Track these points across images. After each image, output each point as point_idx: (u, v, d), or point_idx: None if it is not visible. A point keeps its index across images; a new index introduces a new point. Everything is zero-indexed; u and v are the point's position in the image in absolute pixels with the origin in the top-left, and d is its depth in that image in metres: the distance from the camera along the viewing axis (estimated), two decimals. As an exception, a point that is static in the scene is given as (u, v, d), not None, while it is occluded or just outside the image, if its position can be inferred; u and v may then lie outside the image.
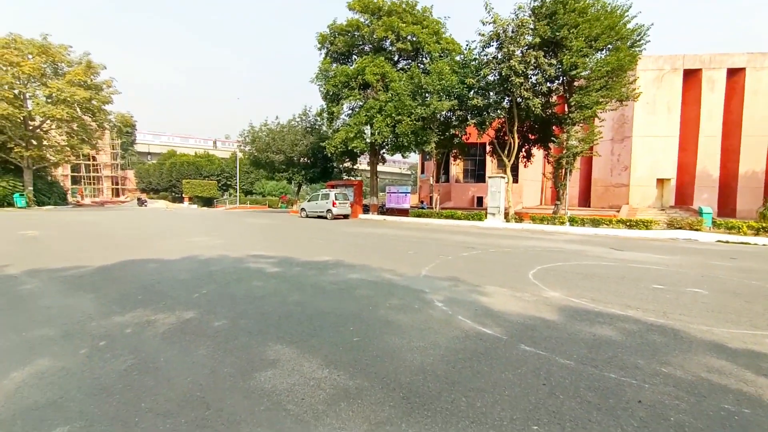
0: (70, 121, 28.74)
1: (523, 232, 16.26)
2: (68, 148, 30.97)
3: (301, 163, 29.32)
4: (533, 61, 15.83)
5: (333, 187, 26.29)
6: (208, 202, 46.37)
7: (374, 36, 21.16)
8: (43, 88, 26.93)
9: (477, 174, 31.43)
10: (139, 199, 44.03)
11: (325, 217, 22.63)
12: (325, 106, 23.18)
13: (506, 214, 19.66)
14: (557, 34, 15.91)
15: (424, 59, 21.27)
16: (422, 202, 28.28)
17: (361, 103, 22.24)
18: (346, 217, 23.51)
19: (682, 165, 26.16)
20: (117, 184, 56.53)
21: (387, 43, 22.61)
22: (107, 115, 31.89)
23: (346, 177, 29.70)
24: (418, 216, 22.39)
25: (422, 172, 37.52)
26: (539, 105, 16.71)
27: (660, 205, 26.63)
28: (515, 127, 18.57)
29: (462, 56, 19.71)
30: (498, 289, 5.86)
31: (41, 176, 32.60)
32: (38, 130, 29.56)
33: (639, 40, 17.29)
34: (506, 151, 20.00)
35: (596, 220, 16.38)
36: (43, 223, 16.49)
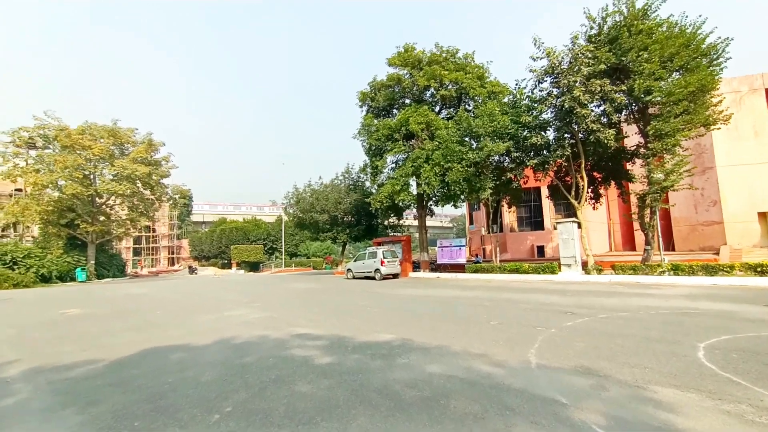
0: (131, 195, 30.61)
1: (614, 285, 13.35)
2: (129, 222, 32.75)
3: (345, 222, 28.50)
4: (598, 90, 14.16)
5: (380, 244, 24.82)
6: (254, 266, 46.63)
7: (415, 87, 20.83)
8: (110, 167, 29.20)
9: (534, 221, 28.73)
10: (189, 267, 45.27)
11: (374, 278, 20.85)
12: (368, 161, 22.61)
13: (584, 265, 16.76)
14: (623, 59, 14.32)
15: (468, 105, 20.40)
16: (476, 255, 25.83)
17: (405, 155, 21.37)
18: (395, 276, 21.59)
19: (788, 194, 22.01)
20: (173, 253, 59.38)
21: (428, 95, 22.22)
22: (165, 188, 33.87)
23: (392, 233, 28.28)
24: (476, 271, 19.95)
25: (470, 223, 35.35)
26: (612, 137, 14.65)
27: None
28: (582, 165, 16.43)
29: (511, 96, 18.55)
30: (679, 394, 3.61)
31: (104, 250, 34.39)
32: (103, 207, 31.67)
33: (717, 58, 15.22)
34: (572, 193, 17.67)
35: (710, 266, 13.14)
36: (90, 299, 16.16)
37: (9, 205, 27.02)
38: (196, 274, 41.48)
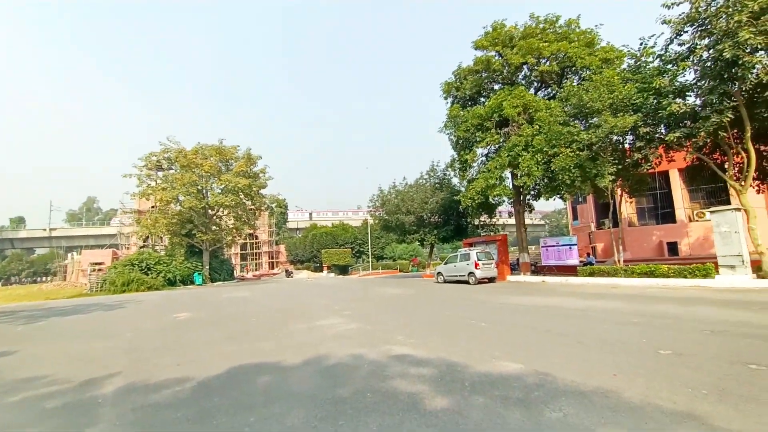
0: (236, 206, 33.65)
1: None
2: (235, 230, 36.14)
3: (432, 222, 27.06)
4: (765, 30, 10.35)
5: (471, 245, 22.78)
6: (343, 269, 47.94)
7: (507, 68, 18.46)
8: (217, 181, 32.48)
9: (660, 213, 23.58)
10: (286, 271, 48.52)
11: (467, 282, 18.97)
12: (455, 156, 20.84)
13: (754, 266, 12.64)
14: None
15: (574, 79, 17.25)
16: (587, 255, 22.04)
17: (498, 145, 19.12)
18: (491, 280, 19.38)
19: None
20: (272, 258, 64.76)
21: (521, 75, 19.61)
22: (263, 198, 36.62)
23: (483, 233, 25.94)
24: (591, 274, 16.72)
25: (574, 218, 30.87)
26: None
27: None
28: (748, 133, 12.36)
29: (632, 61, 15.10)
30: None
31: (216, 256, 38.51)
32: (214, 217, 35.43)
33: None
34: (729, 173, 13.55)
35: None
36: (201, 303, 17.43)
37: (144, 219, 31.74)
38: (292, 277, 44.15)
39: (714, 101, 11.90)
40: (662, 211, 23.44)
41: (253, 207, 36.73)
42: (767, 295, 10.09)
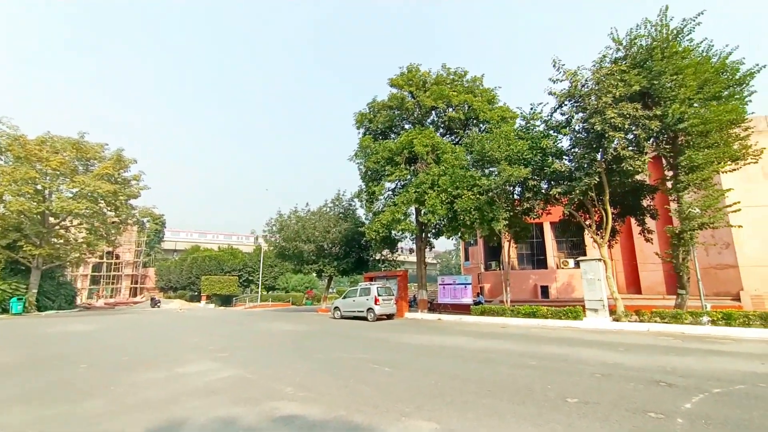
0: (91, 216, 27.07)
1: (662, 338, 11.13)
2: (85, 246, 28.84)
3: (332, 254, 25.78)
4: (630, 114, 12.76)
5: (371, 279, 22.14)
6: (226, 300, 42.42)
7: (419, 110, 19.29)
8: (69, 183, 25.87)
9: (536, 259, 26.82)
10: (152, 299, 40.59)
11: (366, 318, 18.00)
12: (363, 187, 20.45)
13: (611, 310, 14.64)
14: (654, 82, 13.10)
15: (477, 130, 18.81)
16: (477, 294, 23.38)
17: (406, 181, 19.41)
18: (390, 317, 18.81)
19: (804, 239, 21.07)
20: (137, 282, 54.11)
21: (431, 119, 20.72)
22: (131, 209, 30.45)
23: (384, 268, 25.66)
24: (482, 313, 17.48)
25: (466, 259, 33.20)
26: (644, 165, 13.13)
27: (788, 291, 20.84)
28: (606, 197, 14.77)
29: (523, 122, 17.10)
30: None
31: (52, 277, 29.99)
32: (57, 227, 27.88)
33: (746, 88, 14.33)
34: (592, 228, 15.89)
35: (770, 316, 11.22)
36: (9, 339, 12.65)
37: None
38: (158, 307, 37.00)
39: (585, 165, 13.94)
40: (537, 258, 26.67)
41: (116, 219, 30.20)
42: (624, 336, 11.49)
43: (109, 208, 29.08)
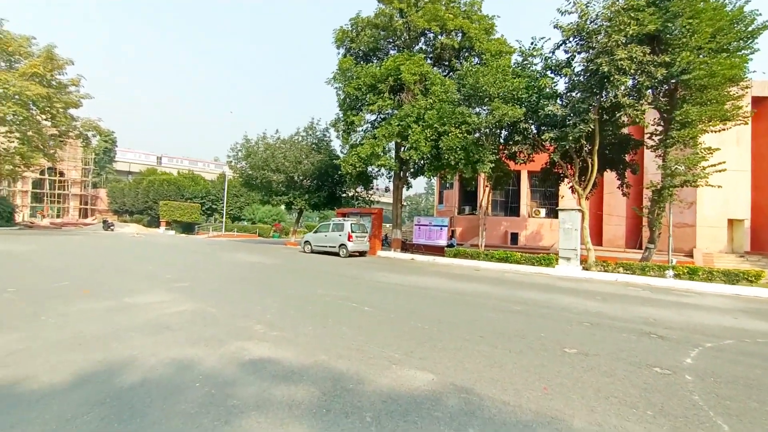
0: (21, 123, 23.42)
1: (631, 287, 11.43)
2: (18, 157, 25.35)
3: (304, 186, 24.39)
4: (639, 57, 11.76)
5: (344, 215, 21.33)
6: (188, 228, 40.54)
7: (409, 32, 17.13)
8: (-12, 81, 21.80)
9: (509, 207, 27.00)
10: (105, 222, 37.85)
11: (338, 254, 17.49)
12: (341, 116, 18.66)
13: (584, 260, 14.95)
14: (669, 24, 12.00)
15: (471, 62, 17.10)
16: (450, 237, 23.45)
17: (386, 114, 17.88)
18: (362, 254, 18.43)
19: (756, 205, 22.33)
20: (86, 203, 50.18)
21: (420, 45, 18.63)
22: (72, 120, 26.68)
23: (358, 205, 24.84)
24: (455, 256, 17.49)
25: (440, 202, 33.01)
26: (642, 115, 12.51)
27: (731, 250, 22.52)
28: (596, 146, 14.27)
29: (519, 58, 15.64)
30: None
31: (-18, 190, 26.69)
32: (-21, 134, 24.09)
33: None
34: (575, 178, 15.61)
35: (731, 273, 11.75)
36: None
37: None
38: (112, 230, 34.66)
39: (582, 111, 13.12)
40: (511, 205, 26.84)
41: (54, 130, 26.50)
42: (596, 285, 11.71)
43: (44, 117, 25.29)
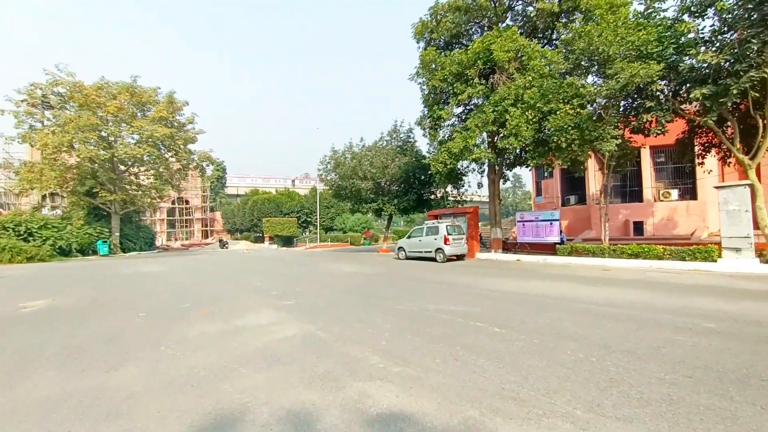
0: (153, 162, 27.59)
1: None
2: (153, 191, 29.98)
3: (391, 191, 23.93)
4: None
5: (436, 217, 20.15)
6: (287, 241, 43.64)
7: (497, 4, 15.31)
8: (129, 129, 26.04)
9: (629, 191, 22.76)
10: (220, 241, 42.90)
11: (434, 259, 16.37)
12: (426, 112, 17.60)
13: (759, 250, 11.33)
14: None
15: (575, 23, 14.52)
16: (560, 232, 20.56)
17: (476, 102, 16.27)
18: (460, 257, 17.00)
19: None
20: (206, 225, 57.89)
21: (508, 20, 16.63)
22: (190, 154, 30.64)
23: (448, 205, 23.45)
24: (571, 253, 14.96)
25: (538, 194, 29.71)
26: None
27: None
28: (769, 100, 10.66)
29: (642, 5, 12.60)
30: None
31: (131, 221, 32.15)
32: (126, 173, 28.96)
33: None
34: (736, 144, 11.96)
35: None
36: (87, 280, 12.82)
37: (24, 171, 24.59)
38: (227, 248, 38.99)
39: (751, 53, 9.83)
40: (630, 189, 22.61)
41: (178, 164, 30.70)
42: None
43: (169, 153, 29.42)
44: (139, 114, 28.23)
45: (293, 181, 76.46)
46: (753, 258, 10.94)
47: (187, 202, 54.77)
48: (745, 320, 5.62)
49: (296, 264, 17.85)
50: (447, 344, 4.83)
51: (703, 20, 11.61)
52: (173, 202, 52.37)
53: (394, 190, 23.89)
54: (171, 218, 53.93)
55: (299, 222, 48.98)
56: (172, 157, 30.00)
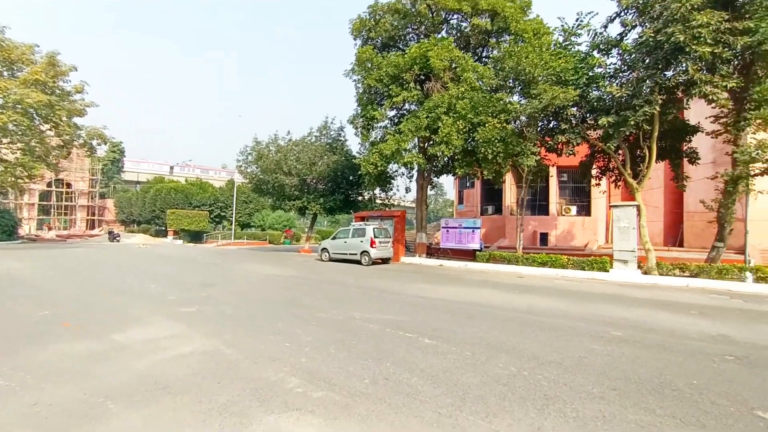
0: (22, 133, 22.35)
1: (722, 296, 9.57)
2: (20, 168, 24.27)
3: (318, 190, 22.87)
4: (716, 25, 9.99)
5: (363, 219, 19.74)
6: (196, 236, 39.33)
7: (435, 14, 15.55)
8: (-11, 89, 20.74)
9: (537, 205, 25.11)
10: (110, 233, 36.77)
11: (359, 262, 15.88)
12: (359, 111, 17.12)
13: (639, 262, 13.11)
14: (748, -15, 10.22)
15: (504, 44, 15.39)
16: (481, 240, 21.71)
17: (409, 106, 16.32)
18: (385, 261, 16.80)
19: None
20: (93, 214, 49.39)
21: (444, 30, 17.03)
22: (76, 129, 25.60)
23: (376, 208, 23.23)
24: (489, 260, 15.77)
25: (460, 202, 31.27)
26: (720, 92, 10.64)
27: (790, 247, 20.37)
28: (656, 132, 12.46)
29: (562, 37, 13.86)
30: None
31: (-15, 203, 25.71)
32: (-19, 144, 23.08)
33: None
34: (627, 169, 13.78)
35: None
36: None
37: None
38: (117, 241, 33.56)
39: (645, 91, 11.34)
40: (539, 203, 24.96)
41: (59, 140, 25.45)
42: (671, 293, 9.90)
43: (47, 126, 24.23)
44: (6, 74, 22.81)
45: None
46: (636, 270, 12.59)
47: (69, 185, 46.13)
48: (643, 328, 6.12)
49: (203, 263, 15.85)
50: (376, 360, 4.30)
51: (609, 58, 13.19)
52: (49, 185, 43.67)
53: (320, 189, 22.88)
54: (45, 203, 44.87)
55: (212, 216, 44.58)
56: (50, 130, 24.76)
